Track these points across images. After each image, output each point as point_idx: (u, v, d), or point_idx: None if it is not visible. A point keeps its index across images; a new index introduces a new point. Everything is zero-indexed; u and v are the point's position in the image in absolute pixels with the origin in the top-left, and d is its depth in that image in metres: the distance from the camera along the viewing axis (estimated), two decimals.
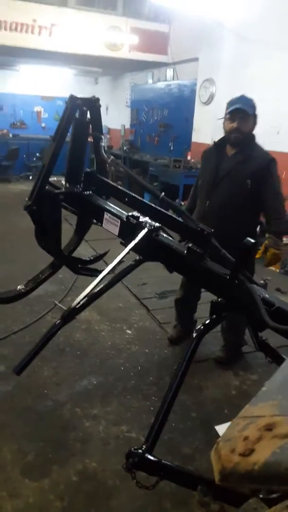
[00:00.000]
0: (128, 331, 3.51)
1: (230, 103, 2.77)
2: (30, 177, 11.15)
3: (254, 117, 2.75)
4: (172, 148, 8.86)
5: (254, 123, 2.77)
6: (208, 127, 7.10)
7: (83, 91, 12.79)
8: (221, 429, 2.50)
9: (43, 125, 13.07)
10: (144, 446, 1.49)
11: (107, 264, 2.69)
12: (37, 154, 11.56)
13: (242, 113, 2.69)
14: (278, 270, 5.39)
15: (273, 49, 5.84)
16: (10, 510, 1.90)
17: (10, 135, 12.04)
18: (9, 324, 3.43)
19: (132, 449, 1.49)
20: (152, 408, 2.57)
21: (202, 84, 7.49)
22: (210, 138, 7.08)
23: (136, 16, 8.22)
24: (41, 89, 12.64)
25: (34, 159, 11.51)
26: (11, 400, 2.59)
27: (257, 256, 2.84)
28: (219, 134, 7.43)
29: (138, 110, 10.52)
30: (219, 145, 2.90)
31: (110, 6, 8.18)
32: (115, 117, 11.71)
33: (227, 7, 6.13)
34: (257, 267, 5.44)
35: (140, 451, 1.47)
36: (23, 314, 3.58)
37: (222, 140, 2.88)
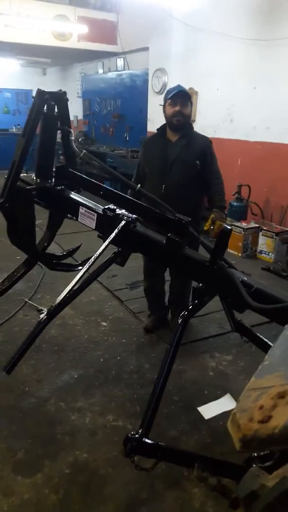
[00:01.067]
0: (104, 323, 3.54)
1: (169, 91, 3.03)
2: None
3: (191, 103, 3.04)
4: (127, 138, 8.86)
5: (191, 109, 3.06)
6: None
7: (31, 82, 12.51)
8: (203, 410, 2.61)
9: None
10: (140, 431, 1.55)
11: (76, 261, 2.72)
12: None
13: (183, 97, 2.96)
14: (240, 254, 5.58)
15: (223, 39, 5.94)
16: (6, 509, 1.91)
17: None
18: None
19: (129, 435, 1.54)
20: (135, 396, 2.63)
21: (154, 74, 7.51)
22: None
23: (84, 5, 8.08)
24: None
25: None
26: None
27: (205, 228, 3.09)
28: None
29: (90, 100, 10.40)
30: (160, 133, 3.11)
31: None
32: None
33: None
34: None
35: (137, 436, 1.52)
36: None
37: (163, 128, 3.10)
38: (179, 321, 1.76)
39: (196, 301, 1.84)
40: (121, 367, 2.94)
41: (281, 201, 5.66)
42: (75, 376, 2.83)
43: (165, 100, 3.02)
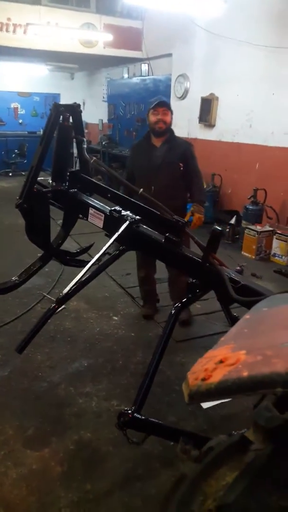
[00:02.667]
0: (115, 318, 3.76)
1: (151, 102, 3.42)
2: (10, 174, 11.23)
3: (171, 113, 3.38)
4: None
5: (172, 118, 3.39)
6: (183, 121, 7.33)
7: (60, 86, 12.91)
8: None
9: (20, 121, 13.08)
10: (133, 408, 1.74)
11: (91, 257, 2.94)
12: (16, 151, 11.64)
13: (163, 106, 3.32)
14: (253, 257, 5.70)
15: (244, 46, 6.09)
16: (15, 476, 2.13)
17: None
18: (1, 315, 3.63)
19: (123, 410, 1.73)
20: (139, 384, 2.82)
21: (176, 79, 7.70)
22: (186, 132, 7.34)
23: (110, 13, 8.35)
24: (17, 85, 12.65)
25: (13, 155, 11.58)
26: (9, 384, 2.81)
27: (186, 219, 3.36)
28: (194, 128, 7.69)
29: (115, 105, 10.68)
30: (146, 139, 3.47)
31: (84, 4, 8.28)
32: (93, 112, 11.84)
33: (198, 4, 6.33)
34: (233, 254, 5.76)
35: (129, 411, 1.71)
36: (13, 306, 3.79)
37: (147, 135, 3.47)
38: (172, 311, 1.94)
39: (190, 295, 2.03)
40: (128, 358, 3.14)
41: None
42: (85, 364, 3.05)
43: (148, 110, 3.38)
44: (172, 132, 3.44)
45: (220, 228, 1.88)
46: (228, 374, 0.86)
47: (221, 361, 0.92)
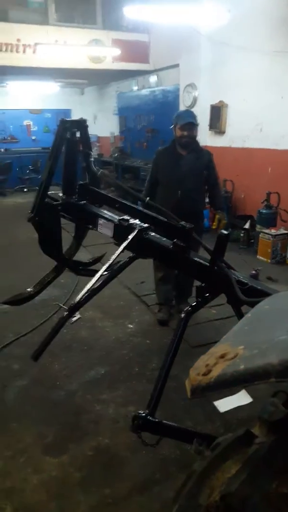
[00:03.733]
0: (130, 326, 3.80)
1: (180, 117, 3.60)
2: (25, 189, 11.46)
3: (197, 126, 3.60)
4: None
5: (196, 132, 3.61)
6: None
7: (70, 102, 13.17)
8: (219, 404, 2.79)
9: (33, 137, 13.37)
10: (147, 411, 1.78)
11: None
12: (30, 167, 11.89)
13: (191, 125, 3.50)
14: (269, 260, 5.68)
15: (249, 52, 6.15)
16: (36, 482, 2.18)
17: (2, 150, 12.37)
18: (19, 327, 3.71)
19: (137, 413, 1.77)
20: None
21: (184, 89, 7.79)
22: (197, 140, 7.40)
23: (116, 28, 8.53)
24: (29, 103, 12.97)
25: (27, 171, 11.83)
26: (28, 393, 2.87)
27: (213, 227, 3.83)
28: (204, 136, 7.73)
29: (126, 117, 10.84)
30: (172, 147, 3.64)
31: (90, 20, 8.48)
32: (104, 125, 12.04)
33: (202, 15, 6.43)
34: (248, 258, 5.76)
35: (143, 414, 1.75)
36: (30, 317, 3.86)
37: (173, 143, 3.64)
38: (182, 315, 1.98)
39: (199, 299, 2.06)
40: (144, 365, 3.17)
41: None
42: (102, 372, 3.09)
43: (175, 123, 3.50)
44: (197, 142, 3.70)
45: (226, 232, 1.92)
46: (226, 368, 0.90)
47: (221, 357, 0.96)
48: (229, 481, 0.91)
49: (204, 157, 3.65)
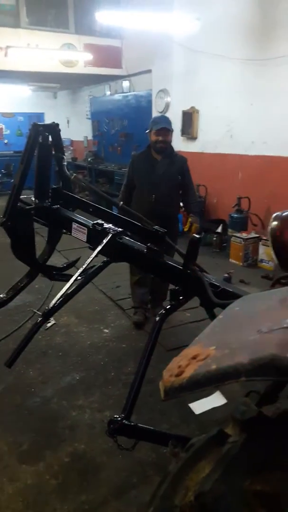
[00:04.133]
0: (106, 330, 3.79)
1: (155, 122, 3.67)
2: None
3: (172, 131, 3.66)
4: None
5: (171, 137, 3.67)
6: None
7: (43, 106, 13.07)
8: (194, 406, 2.81)
9: (5, 141, 13.18)
10: (122, 415, 1.78)
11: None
12: (2, 170, 11.71)
13: (166, 130, 3.56)
14: (241, 264, 5.78)
15: (220, 59, 6.27)
16: (11, 492, 2.15)
17: None
18: None
19: (113, 417, 1.77)
20: None
21: (157, 95, 7.87)
22: None
23: (89, 33, 8.53)
24: (1, 106, 12.78)
25: (0, 175, 11.65)
26: (2, 401, 2.82)
27: (185, 229, 3.84)
28: (177, 141, 7.82)
29: (99, 121, 10.84)
30: (147, 152, 3.70)
31: (63, 25, 8.45)
32: (77, 129, 12.00)
33: (173, 23, 6.53)
34: (221, 262, 5.84)
35: (119, 418, 1.75)
36: (4, 323, 3.80)
37: (148, 148, 3.70)
38: (157, 318, 2.00)
39: (173, 302, 2.08)
40: (120, 369, 3.17)
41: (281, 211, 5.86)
42: (77, 377, 3.08)
43: (151, 128, 3.56)
44: (172, 148, 3.74)
45: (198, 236, 1.95)
46: (198, 368, 0.92)
47: (193, 358, 0.98)
48: (202, 480, 0.93)
49: (179, 162, 3.73)
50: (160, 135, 3.54)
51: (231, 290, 1.97)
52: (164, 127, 3.56)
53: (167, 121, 3.69)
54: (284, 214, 1.52)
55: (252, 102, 6.06)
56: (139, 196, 3.66)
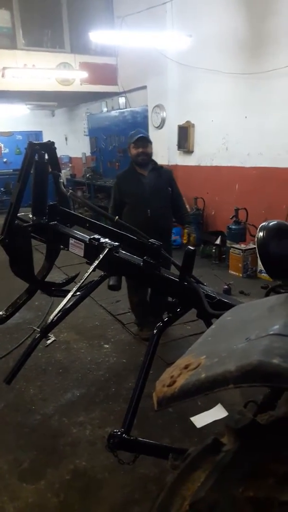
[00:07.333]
0: (106, 346, 3.79)
1: (131, 136, 3.71)
2: None
3: (150, 143, 3.66)
4: None
5: (151, 148, 3.68)
6: (163, 150, 7.57)
7: (41, 124, 13.23)
8: (195, 419, 2.80)
9: (4, 160, 13.31)
10: (122, 429, 1.77)
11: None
12: (1, 189, 11.82)
13: (143, 140, 3.59)
14: (241, 275, 5.79)
15: (214, 74, 6.37)
16: (12, 510, 2.13)
17: None
18: None
19: (112, 432, 1.76)
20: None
21: (153, 110, 7.97)
22: (166, 160, 7.55)
23: (84, 51, 8.69)
24: None
25: None
26: (3, 419, 2.81)
27: (185, 241, 4.00)
28: (173, 155, 7.89)
29: (97, 138, 10.96)
30: (131, 169, 3.73)
31: (58, 45, 8.62)
32: (75, 146, 12.13)
33: (165, 40, 6.66)
34: (221, 273, 5.84)
35: (119, 432, 1.75)
36: (4, 341, 3.81)
37: (131, 166, 3.73)
38: (154, 331, 2.00)
39: (171, 314, 2.09)
40: (121, 384, 3.16)
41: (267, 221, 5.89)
42: (77, 394, 3.06)
43: (129, 143, 3.64)
44: (155, 161, 3.75)
45: (192, 248, 1.97)
46: (189, 377, 0.93)
47: (185, 367, 0.99)
48: (198, 489, 0.93)
49: (165, 174, 3.78)
50: (139, 147, 3.58)
51: (226, 300, 1.98)
52: (141, 135, 3.59)
53: (142, 131, 3.75)
54: (269, 224, 1.54)
55: (246, 115, 6.14)
56: (133, 213, 3.60)
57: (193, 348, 1.12)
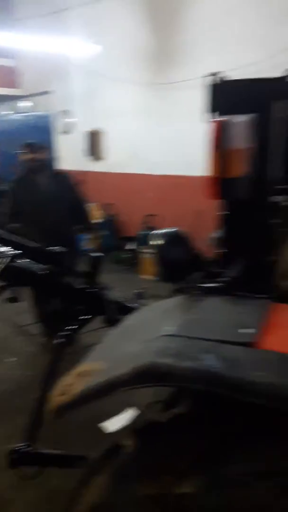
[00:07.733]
0: (11, 359, 3.62)
1: (21, 144, 3.70)
2: None
3: (41, 148, 3.68)
4: None
5: (44, 154, 3.70)
6: (70, 155, 7.48)
7: None
8: (104, 425, 2.79)
9: None
10: (24, 444, 1.70)
11: None
12: None
13: (32, 146, 3.59)
14: (154, 278, 5.90)
15: (123, 82, 6.46)
16: None
17: None
18: None
19: (13, 447, 1.68)
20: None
21: (60, 115, 7.86)
22: (75, 165, 7.45)
23: None
24: None
25: None
26: None
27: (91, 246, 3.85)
28: (83, 161, 7.84)
29: None
30: (26, 175, 3.70)
31: None
32: None
33: (69, 46, 6.61)
34: (134, 278, 5.91)
35: (20, 447, 1.67)
36: None
37: (26, 172, 3.70)
38: (58, 340, 1.96)
39: (75, 323, 2.07)
40: (26, 398, 3.01)
41: (187, 228, 6.14)
42: None
43: (18, 152, 3.64)
44: (48, 166, 3.80)
45: (97, 254, 1.98)
46: (87, 383, 0.93)
47: (82, 374, 0.99)
48: (98, 493, 0.94)
49: (63, 179, 3.77)
50: (28, 154, 3.57)
51: (130, 305, 2.01)
52: (27, 142, 3.60)
53: (30, 138, 3.77)
54: (162, 231, 1.63)
55: (155, 124, 6.33)
56: (32, 219, 3.46)
57: (91, 354, 1.12)
